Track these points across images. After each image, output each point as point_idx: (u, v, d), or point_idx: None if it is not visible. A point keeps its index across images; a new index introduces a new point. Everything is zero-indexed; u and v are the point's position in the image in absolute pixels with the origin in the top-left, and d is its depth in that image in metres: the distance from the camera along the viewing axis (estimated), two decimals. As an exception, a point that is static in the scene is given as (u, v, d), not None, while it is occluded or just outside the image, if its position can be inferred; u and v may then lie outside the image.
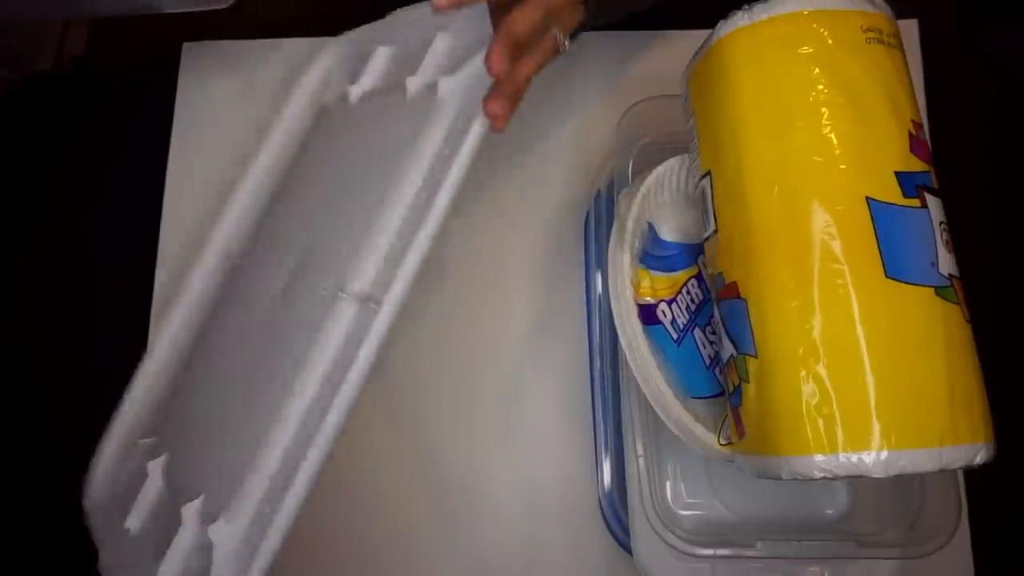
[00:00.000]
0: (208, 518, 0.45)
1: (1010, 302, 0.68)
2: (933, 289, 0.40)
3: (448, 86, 0.53)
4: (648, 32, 0.73)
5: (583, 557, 0.64)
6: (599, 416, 0.62)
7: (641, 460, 0.52)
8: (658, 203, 0.58)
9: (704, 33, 0.47)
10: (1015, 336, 0.68)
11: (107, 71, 0.85)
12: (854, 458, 0.38)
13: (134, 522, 0.56)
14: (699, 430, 0.50)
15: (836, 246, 0.40)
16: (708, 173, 0.47)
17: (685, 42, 0.50)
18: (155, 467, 0.57)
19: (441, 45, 0.58)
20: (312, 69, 0.73)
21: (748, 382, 0.44)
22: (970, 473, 0.56)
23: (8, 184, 0.88)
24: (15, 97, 0.93)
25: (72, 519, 0.66)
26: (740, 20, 0.45)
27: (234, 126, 0.76)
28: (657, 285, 0.55)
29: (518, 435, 0.67)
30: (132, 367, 0.68)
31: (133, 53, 0.85)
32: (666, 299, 0.55)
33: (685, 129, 0.51)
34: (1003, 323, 0.63)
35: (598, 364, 0.63)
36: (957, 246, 0.43)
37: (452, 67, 0.55)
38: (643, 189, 0.55)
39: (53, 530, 0.70)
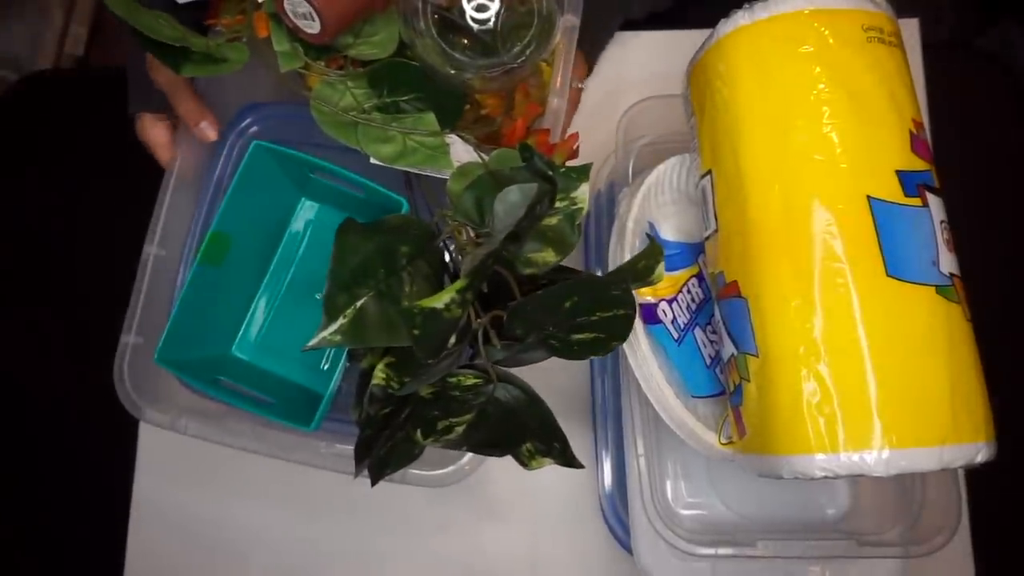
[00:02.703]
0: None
1: (1011, 301, 0.68)
2: (934, 288, 0.40)
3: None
4: (648, 32, 0.73)
5: (583, 557, 0.64)
6: (599, 415, 0.62)
7: (642, 459, 0.52)
8: (658, 202, 0.58)
9: (704, 32, 0.47)
10: (1015, 336, 0.68)
11: (107, 71, 0.85)
12: (855, 457, 0.38)
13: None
14: (700, 429, 0.50)
15: (837, 245, 0.40)
16: (709, 172, 0.47)
17: (685, 42, 0.50)
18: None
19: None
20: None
21: (749, 381, 0.44)
22: (970, 472, 0.56)
23: (7, 183, 0.88)
24: (15, 97, 0.93)
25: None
26: (741, 19, 0.45)
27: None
28: (658, 284, 0.55)
29: (518, 435, 0.67)
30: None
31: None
32: (667, 298, 0.55)
33: (685, 129, 0.51)
34: (1004, 322, 0.63)
35: (598, 364, 0.63)
36: (958, 245, 0.43)
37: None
38: (643, 189, 0.55)
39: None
